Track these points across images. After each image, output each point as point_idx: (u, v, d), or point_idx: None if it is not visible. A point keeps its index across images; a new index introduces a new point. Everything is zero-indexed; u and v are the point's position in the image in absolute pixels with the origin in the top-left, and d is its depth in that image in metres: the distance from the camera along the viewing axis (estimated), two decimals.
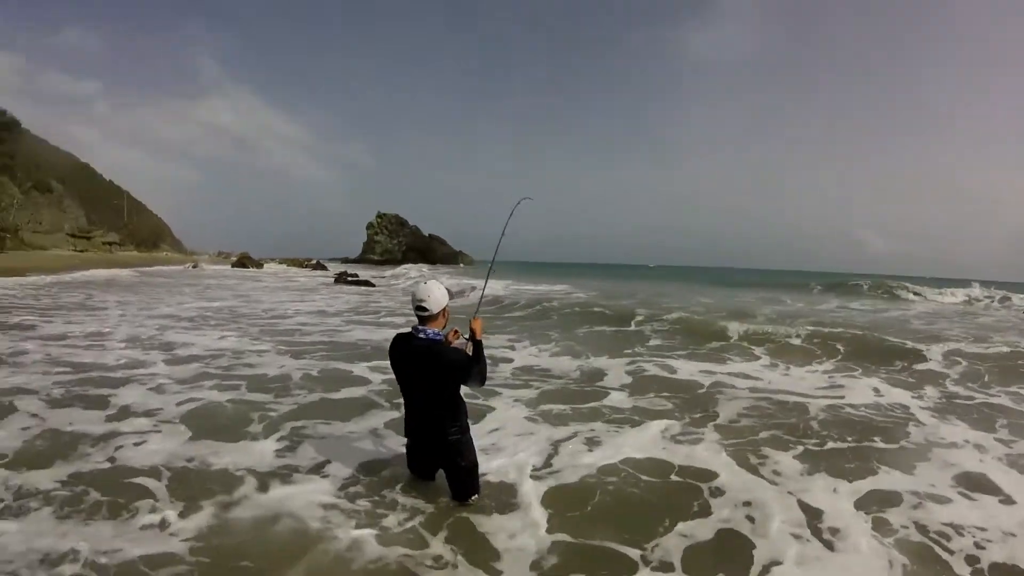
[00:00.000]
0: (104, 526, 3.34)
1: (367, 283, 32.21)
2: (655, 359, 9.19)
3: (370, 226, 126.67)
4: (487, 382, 3.95)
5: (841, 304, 23.01)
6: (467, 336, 3.91)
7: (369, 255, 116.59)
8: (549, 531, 3.46)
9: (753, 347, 10.00)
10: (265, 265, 61.02)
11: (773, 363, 9.13)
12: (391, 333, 3.78)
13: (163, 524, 3.37)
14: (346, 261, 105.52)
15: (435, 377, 3.67)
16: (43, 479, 3.93)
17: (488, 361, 3.88)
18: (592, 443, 5.07)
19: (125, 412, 5.52)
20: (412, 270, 46.57)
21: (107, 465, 4.24)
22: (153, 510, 3.53)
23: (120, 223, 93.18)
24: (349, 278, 34.61)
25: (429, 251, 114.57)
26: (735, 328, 11.03)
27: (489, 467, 4.35)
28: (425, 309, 3.70)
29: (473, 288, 22.87)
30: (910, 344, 9.85)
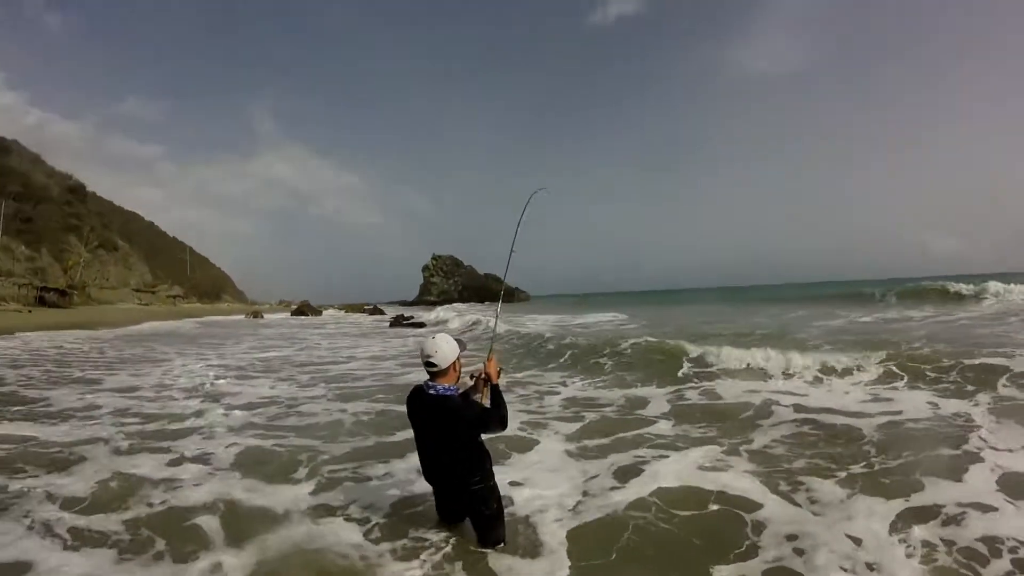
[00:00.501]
0: (161, 568, 3.56)
1: (422, 324, 32.78)
2: (700, 383, 9.05)
3: (426, 268, 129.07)
4: (508, 424, 3.79)
5: (902, 312, 21.78)
6: (484, 377, 3.90)
7: (426, 296, 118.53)
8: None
9: (801, 365, 9.64)
10: (324, 312, 62.69)
11: (817, 378, 8.86)
12: None
13: (214, 569, 3.52)
14: (404, 304, 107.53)
15: (449, 434, 3.59)
16: (109, 522, 4.21)
17: (533, 395, 3.85)
18: (629, 475, 5.01)
19: (183, 459, 5.82)
20: (451, 310, 46.66)
21: (165, 509, 4.49)
22: (205, 553, 3.71)
23: (184, 277, 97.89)
24: (404, 321, 35.27)
25: (485, 290, 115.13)
26: (781, 350, 10.69)
27: (519, 504, 4.38)
28: (434, 364, 3.61)
29: (504, 324, 22.82)
30: (973, 350, 9.22)
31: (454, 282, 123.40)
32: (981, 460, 5.01)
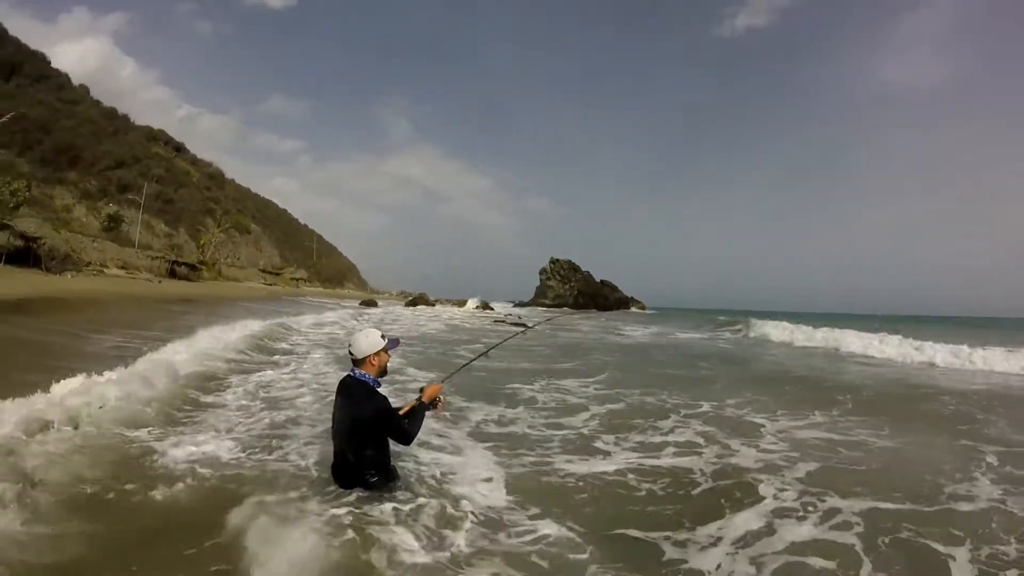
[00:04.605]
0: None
1: (524, 326, 32.97)
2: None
3: (543, 271, 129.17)
4: (414, 442, 4.04)
5: None
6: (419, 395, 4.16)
7: (541, 299, 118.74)
8: None
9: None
10: (438, 304, 64.47)
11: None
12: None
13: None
14: (520, 304, 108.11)
15: (353, 417, 3.90)
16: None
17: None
18: None
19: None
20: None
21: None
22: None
23: (310, 262, 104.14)
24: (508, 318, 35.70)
25: (600, 297, 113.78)
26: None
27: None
28: (351, 354, 4.12)
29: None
30: None
31: (570, 287, 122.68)
32: None
